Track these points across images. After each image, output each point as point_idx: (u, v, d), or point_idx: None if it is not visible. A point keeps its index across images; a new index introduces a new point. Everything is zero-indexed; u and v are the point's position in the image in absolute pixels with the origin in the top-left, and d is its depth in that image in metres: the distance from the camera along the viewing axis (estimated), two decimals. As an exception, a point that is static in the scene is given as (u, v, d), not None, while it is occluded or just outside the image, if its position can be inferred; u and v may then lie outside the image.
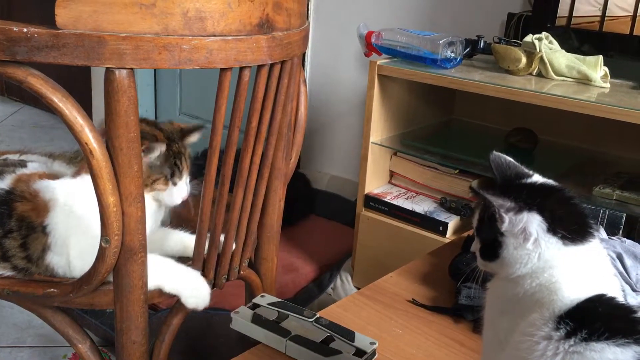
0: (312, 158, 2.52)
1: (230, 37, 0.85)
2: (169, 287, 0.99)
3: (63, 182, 0.98)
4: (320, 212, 2.31)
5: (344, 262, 1.94)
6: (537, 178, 0.70)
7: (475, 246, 0.72)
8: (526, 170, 0.72)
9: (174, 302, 1.05)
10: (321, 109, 2.42)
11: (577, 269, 0.63)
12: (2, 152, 1.15)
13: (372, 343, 0.95)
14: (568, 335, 0.59)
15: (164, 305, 1.64)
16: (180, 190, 1.02)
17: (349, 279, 1.86)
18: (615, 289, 0.63)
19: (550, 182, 0.70)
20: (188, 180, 1.04)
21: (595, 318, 0.59)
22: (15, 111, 3.71)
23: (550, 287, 0.63)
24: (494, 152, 0.74)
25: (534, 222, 0.63)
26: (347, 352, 0.93)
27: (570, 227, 0.63)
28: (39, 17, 3.19)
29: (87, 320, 1.65)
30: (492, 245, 0.66)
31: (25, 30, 0.74)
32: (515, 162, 0.73)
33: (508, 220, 0.63)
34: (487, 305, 0.72)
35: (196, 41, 0.81)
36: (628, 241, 1.11)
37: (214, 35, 0.83)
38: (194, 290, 1.01)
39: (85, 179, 0.91)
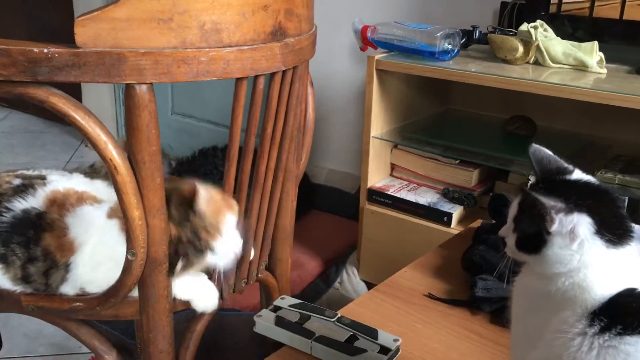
0: (310, 152, 2.52)
1: (245, 47, 0.85)
2: (180, 293, 1.00)
3: (97, 222, 0.95)
4: (320, 206, 2.32)
5: (349, 255, 1.96)
6: (579, 174, 0.70)
7: (508, 232, 0.70)
8: (566, 165, 0.71)
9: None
10: (317, 104, 2.43)
11: (611, 269, 0.64)
12: (10, 170, 1.12)
13: (396, 340, 0.97)
14: (602, 331, 0.60)
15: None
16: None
17: (355, 272, 1.88)
18: None
19: (594, 180, 0.69)
20: None
21: (628, 312, 0.60)
22: (4, 117, 3.68)
23: (582, 285, 0.64)
24: (534, 144, 0.72)
25: (583, 223, 0.63)
26: (372, 350, 0.95)
27: (616, 230, 0.64)
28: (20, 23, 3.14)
29: (97, 327, 1.66)
30: (533, 240, 0.66)
31: (45, 50, 0.74)
32: (554, 155, 0.72)
33: (558, 221, 0.63)
34: (514, 300, 0.73)
35: (213, 53, 0.82)
36: (636, 226, 1.14)
37: (230, 46, 0.84)
38: (202, 294, 1.02)
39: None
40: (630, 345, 0.59)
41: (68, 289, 0.95)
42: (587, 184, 0.69)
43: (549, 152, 0.72)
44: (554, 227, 0.63)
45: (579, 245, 0.64)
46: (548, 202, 0.63)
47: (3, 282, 0.97)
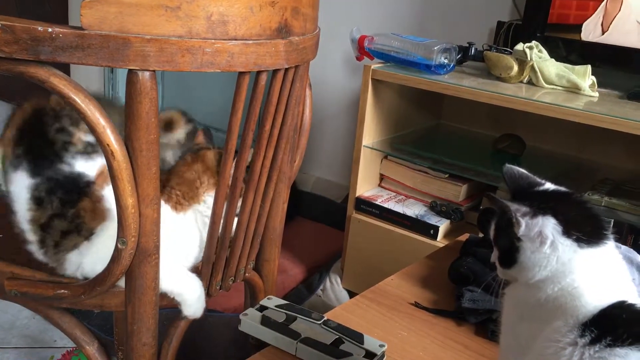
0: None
1: (250, 41, 0.85)
2: (168, 289, 0.98)
3: None
4: (305, 213, 2.32)
5: (333, 264, 1.95)
6: (549, 186, 0.72)
7: (495, 256, 0.73)
8: (539, 180, 0.73)
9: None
10: (308, 111, 2.43)
11: (596, 273, 0.65)
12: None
13: (382, 345, 0.97)
14: (593, 342, 0.61)
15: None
16: None
17: (339, 280, 1.87)
18: (634, 295, 0.66)
19: (562, 188, 0.72)
20: None
21: (619, 324, 0.61)
22: (-11, 106, 3.63)
23: (572, 292, 0.65)
24: (507, 165, 0.76)
25: (548, 225, 0.65)
26: (358, 355, 0.94)
27: (584, 229, 0.65)
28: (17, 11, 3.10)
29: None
30: (510, 252, 0.68)
31: (50, 30, 0.73)
32: (527, 172, 0.75)
33: (524, 225, 0.65)
34: (505, 310, 0.74)
35: (219, 44, 0.82)
36: (623, 247, 1.15)
37: (236, 39, 0.83)
38: (193, 297, 1.01)
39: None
40: (619, 357, 0.60)
41: (73, 258, 0.94)
42: (552, 191, 0.71)
43: (522, 170, 0.74)
44: (522, 231, 0.66)
45: (551, 248, 0.65)
46: (513, 205, 0.66)
47: (22, 216, 0.95)
